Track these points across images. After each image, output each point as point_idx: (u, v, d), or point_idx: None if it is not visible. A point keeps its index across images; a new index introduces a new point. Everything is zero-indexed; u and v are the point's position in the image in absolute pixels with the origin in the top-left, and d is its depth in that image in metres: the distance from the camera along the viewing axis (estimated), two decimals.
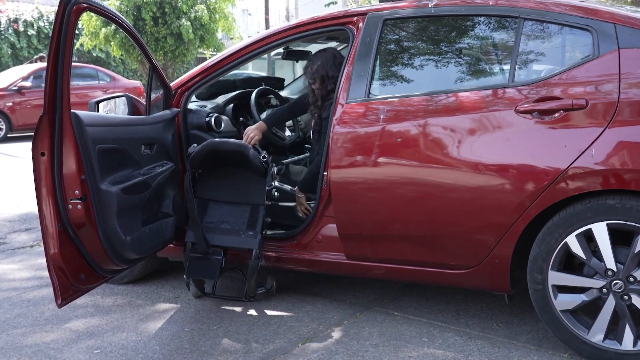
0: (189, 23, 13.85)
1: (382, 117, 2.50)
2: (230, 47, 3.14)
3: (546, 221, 2.25)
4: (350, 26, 2.75)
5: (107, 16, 2.38)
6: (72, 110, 2.19)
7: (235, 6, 15.77)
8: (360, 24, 2.70)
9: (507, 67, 2.38)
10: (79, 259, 2.31)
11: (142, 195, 2.52)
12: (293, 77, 4.52)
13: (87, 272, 2.34)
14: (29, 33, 17.15)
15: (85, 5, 2.17)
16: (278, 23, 22.93)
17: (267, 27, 19.62)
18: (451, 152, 2.35)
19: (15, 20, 16.93)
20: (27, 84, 11.16)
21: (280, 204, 3.18)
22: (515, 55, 2.33)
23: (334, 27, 2.85)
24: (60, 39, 2.12)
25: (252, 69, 14.39)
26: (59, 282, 2.22)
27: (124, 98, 2.93)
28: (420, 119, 2.42)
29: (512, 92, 2.29)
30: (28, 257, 3.93)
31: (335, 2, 20.09)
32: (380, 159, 2.50)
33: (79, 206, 2.23)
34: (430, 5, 2.55)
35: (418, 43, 2.65)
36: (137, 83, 13.53)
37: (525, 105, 2.23)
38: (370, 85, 2.59)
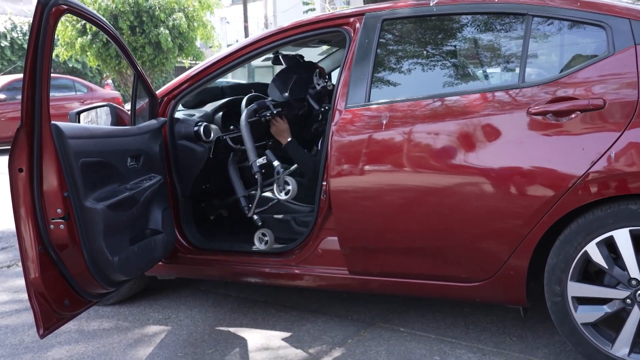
0: (167, 32, 13.68)
1: (384, 122, 2.36)
2: (219, 53, 2.98)
3: (563, 229, 2.12)
4: (346, 27, 2.61)
5: (89, 19, 2.21)
6: (53, 122, 2.01)
7: (214, 14, 15.62)
8: (357, 25, 2.56)
9: (516, 67, 2.25)
10: (62, 284, 2.12)
11: (129, 211, 2.35)
12: None
13: (71, 298, 2.16)
14: (2, 44, 16.78)
15: (65, 6, 1.99)
16: (257, 31, 22.81)
17: (246, 35, 19.46)
18: (460, 157, 2.22)
19: None
20: (1, 96, 10.83)
21: (275, 216, 3.02)
22: (524, 55, 2.21)
23: (328, 29, 2.70)
24: (38, 43, 1.94)
25: (232, 77, 14.22)
26: (40, 309, 2.03)
27: (106, 108, 2.75)
28: (425, 123, 2.28)
29: (523, 93, 2.16)
30: (5, 279, 3.70)
31: (314, 9, 20.10)
32: (384, 167, 2.35)
33: (62, 226, 2.05)
34: (431, 4, 2.42)
35: (420, 44, 2.52)
36: (115, 93, 13.25)
37: (538, 107, 2.10)
38: (370, 90, 2.44)
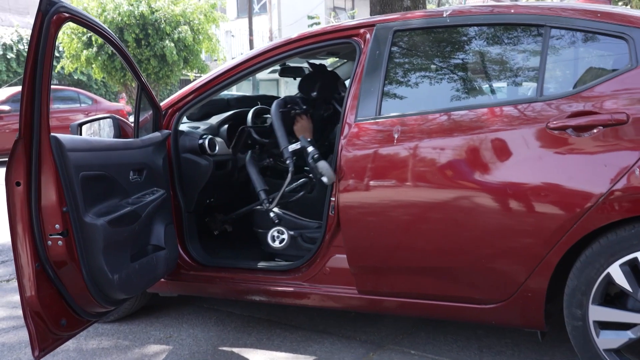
0: (172, 44, 13.68)
1: (396, 136, 2.27)
2: (225, 64, 2.91)
3: (584, 249, 2.02)
4: (356, 39, 2.54)
5: (92, 27, 2.14)
6: (52, 134, 1.93)
7: (219, 27, 15.64)
8: (368, 36, 2.48)
9: (534, 80, 2.17)
10: (60, 303, 2.03)
11: (131, 227, 2.26)
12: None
13: (69, 317, 2.06)
14: (8, 56, 16.84)
15: (66, 14, 1.92)
16: (262, 44, 22.88)
17: (251, 48, 19.51)
18: (475, 174, 2.13)
19: None
20: (5, 107, 10.80)
21: None
22: (542, 67, 2.13)
23: (337, 40, 2.63)
24: (38, 53, 1.87)
25: (236, 90, 14.20)
26: (36, 329, 1.94)
27: (109, 119, 2.68)
28: (439, 137, 2.20)
29: (542, 107, 2.08)
30: (3, 294, 3.61)
31: (319, 23, 20.21)
32: (395, 183, 2.26)
33: (60, 242, 1.97)
34: (445, 15, 2.35)
35: (433, 56, 2.44)
36: (119, 105, 13.24)
37: (558, 122, 2.02)
38: (381, 103, 2.36)
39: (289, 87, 19.43)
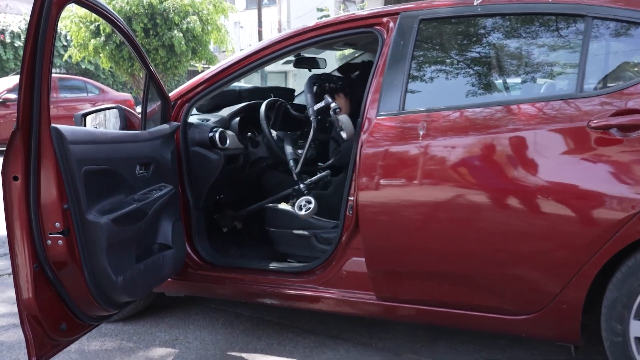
0: (181, 34, 13.52)
1: (421, 132, 2.11)
2: (237, 54, 2.76)
3: (626, 259, 1.87)
4: (378, 28, 2.38)
5: (97, 10, 2.00)
6: (53, 125, 1.79)
7: (228, 18, 15.47)
8: (391, 25, 2.32)
9: (573, 74, 2.01)
10: (59, 306, 1.90)
11: (136, 225, 2.12)
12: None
13: (69, 321, 1.93)
14: (16, 44, 16.72)
15: None
16: (270, 36, 22.70)
17: (260, 39, 19.32)
18: (506, 174, 1.97)
19: (2, 32, 16.50)
20: (12, 96, 10.69)
21: (294, 231, 2.77)
22: (583, 61, 1.96)
23: (357, 29, 2.47)
24: (37, 36, 1.72)
25: (243, 82, 14.04)
26: (33, 335, 1.81)
27: (115, 110, 2.53)
28: (468, 134, 2.04)
29: (582, 104, 1.91)
30: (4, 288, 3.48)
31: (328, 16, 20.00)
32: (420, 182, 2.11)
33: (60, 241, 1.83)
34: (475, 3, 2.18)
35: (462, 47, 2.28)
36: (127, 95, 13.12)
37: (600, 120, 1.86)
38: (405, 97, 2.20)
39: (297, 80, 19.26)
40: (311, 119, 2.73)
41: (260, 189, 3.21)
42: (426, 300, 2.22)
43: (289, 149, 2.90)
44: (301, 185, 2.75)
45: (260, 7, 19.31)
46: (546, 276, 1.97)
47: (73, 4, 1.87)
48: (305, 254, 2.73)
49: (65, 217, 1.82)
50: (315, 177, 2.86)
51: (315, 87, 2.86)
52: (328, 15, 19.89)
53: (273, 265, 2.65)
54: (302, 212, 2.63)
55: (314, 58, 3.21)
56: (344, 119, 2.53)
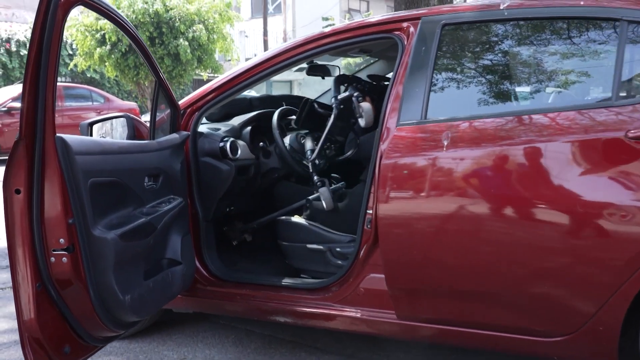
0: (186, 43, 13.45)
1: (445, 142, 2.00)
2: (249, 61, 2.66)
3: None
4: (398, 33, 2.27)
5: (106, 13, 1.90)
6: (58, 135, 1.68)
7: (234, 26, 15.42)
8: (412, 30, 2.22)
9: (607, 81, 1.89)
10: (63, 327, 1.78)
11: (145, 241, 2.01)
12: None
13: (73, 344, 1.81)
14: (22, 53, 16.70)
15: None
16: (276, 45, 22.67)
17: (265, 49, 19.29)
18: (538, 187, 1.85)
19: (8, 40, 16.49)
20: (17, 104, 10.64)
21: (308, 246, 2.66)
22: (618, 67, 1.85)
23: (376, 35, 2.36)
24: (42, 41, 1.62)
25: (247, 91, 13.94)
26: (35, 359, 1.69)
27: (122, 119, 2.43)
28: (495, 145, 1.92)
29: (619, 113, 1.80)
30: (5, 303, 3.37)
31: (333, 24, 19.95)
32: (444, 195, 1.99)
33: (65, 259, 1.72)
34: (502, 7, 2.08)
35: (487, 53, 2.17)
36: (132, 104, 13.06)
37: (638, 130, 1.74)
38: (427, 105, 2.09)
39: (302, 89, 19.18)
40: (333, 106, 2.74)
41: (271, 201, 3.10)
42: (451, 319, 2.09)
43: (308, 143, 2.89)
44: (315, 178, 2.74)
45: (265, 16, 19.30)
46: (581, 296, 1.84)
47: (81, 9, 1.77)
48: (320, 269, 2.62)
49: (70, 233, 1.71)
50: (331, 188, 2.74)
51: (342, 87, 2.86)
52: (333, 24, 19.83)
53: (286, 281, 2.53)
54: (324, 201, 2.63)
55: (327, 65, 3.11)
56: (365, 106, 2.59)
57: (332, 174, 3.14)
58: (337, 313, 2.34)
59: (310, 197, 2.73)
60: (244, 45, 22.34)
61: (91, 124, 2.39)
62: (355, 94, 2.67)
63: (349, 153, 2.89)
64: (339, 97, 2.74)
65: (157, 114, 2.43)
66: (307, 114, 2.95)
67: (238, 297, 2.57)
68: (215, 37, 14.32)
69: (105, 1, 1.87)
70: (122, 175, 1.98)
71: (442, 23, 2.16)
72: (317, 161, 2.79)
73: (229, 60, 16.70)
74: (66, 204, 1.70)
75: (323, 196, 2.63)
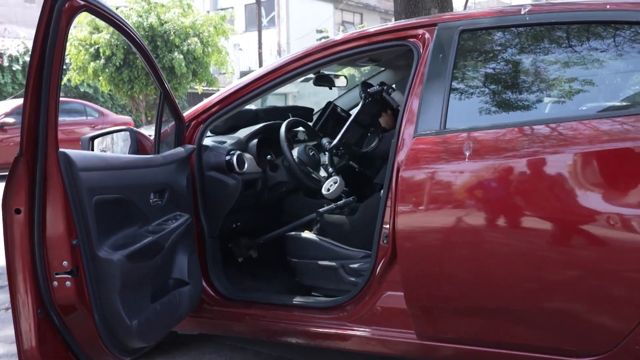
0: (181, 56, 13.41)
1: (467, 153, 1.90)
2: (255, 72, 2.57)
3: None
4: (412, 40, 2.19)
5: (111, 20, 1.80)
6: (61, 150, 1.58)
7: (229, 39, 15.38)
8: (428, 37, 2.14)
9: (637, 87, 1.81)
10: (66, 356, 1.67)
11: (152, 261, 1.89)
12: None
13: None
14: (14, 68, 16.59)
15: (81, 2, 1.57)
16: (270, 58, 22.66)
17: (260, 61, 19.27)
18: (569, 199, 1.76)
19: (0, 55, 16.38)
20: (10, 120, 10.49)
21: (320, 262, 2.54)
22: None
23: (390, 42, 2.28)
24: (45, 50, 1.52)
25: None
26: None
27: (126, 132, 2.32)
28: (522, 155, 1.83)
29: None
30: (2, 325, 3.23)
31: (327, 37, 19.96)
32: (468, 207, 1.89)
33: (68, 282, 1.60)
34: (523, 12, 1.99)
35: (508, 59, 2.08)
36: (127, 118, 12.94)
37: None
38: (446, 114, 2.00)
39: (297, 102, 19.11)
40: (361, 96, 2.78)
41: (278, 215, 3.00)
42: (476, 339, 1.98)
43: (325, 140, 2.90)
44: (330, 169, 2.77)
45: (260, 29, 19.29)
46: (617, 313, 1.74)
47: (74, 23, 1.67)
48: (332, 287, 2.51)
49: (74, 255, 1.60)
50: (341, 202, 2.64)
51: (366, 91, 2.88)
52: (327, 37, 19.85)
53: (298, 299, 2.42)
54: (330, 191, 2.62)
55: (335, 75, 3.02)
56: (397, 96, 2.70)
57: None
58: (353, 333, 2.23)
59: (320, 210, 2.63)
60: (238, 58, 22.32)
61: (92, 138, 2.28)
62: (385, 87, 2.76)
63: (372, 145, 2.82)
64: (369, 90, 2.78)
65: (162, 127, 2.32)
66: (329, 117, 2.98)
67: (247, 317, 2.45)
68: (210, 50, 14.28)
69: (110, 8, 1.77)
70: (128, 191, 1.87)
71: (460, 29, 2.08)
72: (336, 150, 2.79)
73: (224, 73, 16.66)
74: (70, 223, 1.59)
75: (338, 184, 2.63)
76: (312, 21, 22.35)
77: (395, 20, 5.13)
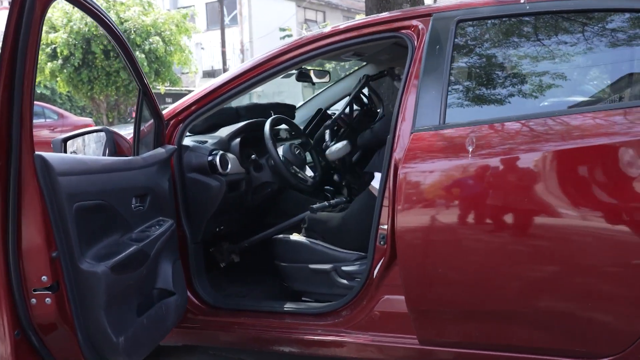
0: (143, 56, 13.08)
1: (470, 149, 1.81)
2: (237, 67, 2.43)
3: None
4: (406, 32, 2.09)
5: (87, 9, 1.64)
6: (37, 153, 1.42)
7: (191, 38, 15.10)
8: (422, 28, 2.04)
9: None
10: None
11: (138, 271, 1.75)
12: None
13: None
14: None
15: None
16: (233, 57, 22.37)
17: (224, 60, 18.99)
18: (580, 194, 1.69)
19: None
20: None
21: (311, 266, 2.43)
22: None
23: (381, 34, 2.17)
24: (17, 44, 1.36)
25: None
26: None
27: (100, 133, 2.16)
28: (531, 149, 1.74)
29: None
30: None
31: (291, 35, 19.78)
32: (473, 205, 1.80)
33: (48, 299, 1.45)
34: (523, 0, 1.92)
35: (509, 50, 2.00)
36: (87, 120, 12.56)
37: None
38: (445, 109, 1.91)
39: (262, 100, 18.86)
40: (361, 79, 2.85)
41: (263, 218, 2.87)
42: (483, 343, 1.90)
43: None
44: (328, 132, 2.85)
45: (223, 27, 19.01)
46: (630, 312, 1.68)
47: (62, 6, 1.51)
48: (323, 291, 2.39)
49: (53, 268, 1.45)
50: (333, 200, 2.54)
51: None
52: (291, 35, 19.64)
53: (289, 306, 2.30)
54: (332, 151, 2.69)
55: (319, 71, 2.91)
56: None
57: (326, 187, 2.93)
58: (350, 340, 2.12)
59: (314, 206, 2.51)
60: (200, 58, 21.97)
61: (65, 140, 2.11)
62: (397, 71, 2.78)
63: (362, 139, 2.81)
64: (371, 73, 2.87)
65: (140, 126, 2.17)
66: (319, 121, 2.96)
67: (235, 326, 2.32)
68: (172, 50, 13.98)
69: None
70: (109, 196, 1.72)
71: (457, 19, 1.99)
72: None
73: (187, 72, 16.35)
74: (48, 234, 1.44)
75: (343, 145, 2.68)
76: (275, 19, 22.17)
77: (366, 13, 5.04)
